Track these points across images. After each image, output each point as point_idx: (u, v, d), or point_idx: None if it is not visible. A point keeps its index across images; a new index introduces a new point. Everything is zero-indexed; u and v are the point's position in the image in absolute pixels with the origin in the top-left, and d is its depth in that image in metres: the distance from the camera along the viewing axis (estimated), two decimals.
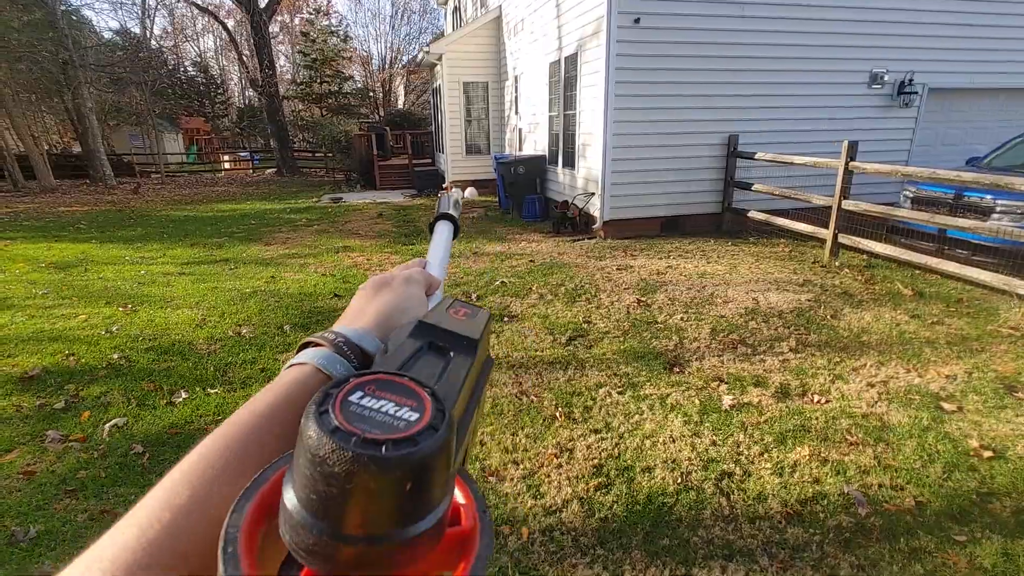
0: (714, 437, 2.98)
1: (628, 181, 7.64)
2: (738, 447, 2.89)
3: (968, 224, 5.15)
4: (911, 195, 6.59)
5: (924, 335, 4.29)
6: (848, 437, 2.94)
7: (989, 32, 8.16)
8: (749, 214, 7.67)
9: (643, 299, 5.17)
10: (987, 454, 2.78)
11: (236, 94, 40.99)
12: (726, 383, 3.58)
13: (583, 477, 2.68)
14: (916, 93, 8.12)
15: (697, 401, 3.35)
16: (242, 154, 26.69)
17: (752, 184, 7.55)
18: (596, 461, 2.80)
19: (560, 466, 2.77)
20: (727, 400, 3.33)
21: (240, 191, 16.32)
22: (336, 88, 25.96)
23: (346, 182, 17.02)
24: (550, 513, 2.44)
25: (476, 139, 13.45)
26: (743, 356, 3.98)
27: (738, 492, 2.55)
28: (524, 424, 3.15)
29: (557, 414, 3.24)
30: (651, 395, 3.45)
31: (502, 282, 5.85)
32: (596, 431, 3.07)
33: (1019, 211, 5.54)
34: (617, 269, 6.24)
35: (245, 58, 28.57)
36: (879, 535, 2.27)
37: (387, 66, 36.99)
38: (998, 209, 5.69)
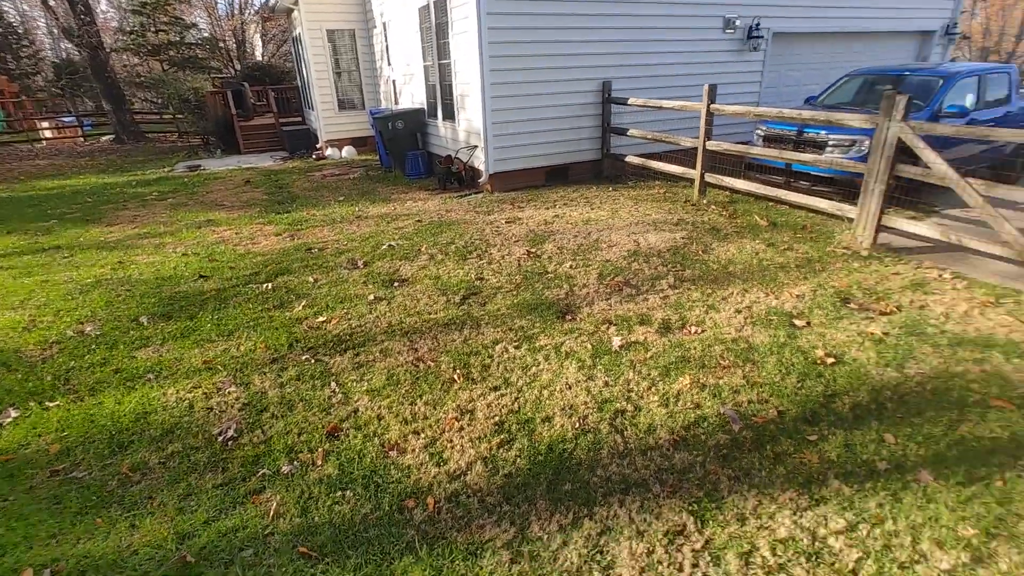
0: (606, 378, 3.12)
1: (510, 132, 7.56)
2: (628, 385, 3.05)
3: (807, 158, 5.76)
4: (763, 133, 7.21)
5: (778, 261, 4.80)
6: (722, 362, 3.23)
7: None
8: (627, 159, 7.98)
9: (533, 250, 5.22)
10: (830, 360, 3.20)
11: (48, 46, 34.26)
12: (615, 325, 3.75)
13: (485, 437, 2.68)
14: (762, 37, 8.78)
15: (589, 346, 3.48)
16: (66, 119, 22.59)
17: (628, 129, 7.81)
18: (497, 419, 2.81)
19: (462, 429, 2.75)
20: (616, 341, 3.49)
21: (69, 164, 13.89)
22: (177, 38, 22.63)
23: (204, 147, 15.15)
24: (455, 478, 2.42)
25: (349, 93, 12.51)
26: (628, 297, 4.18)
27: (631, 428, 2.71)
28: (422, 392, 3.08)
29: (455, 376, 3.21)
30: (546, 345, 3.52)
31: (389, 245, 5.59)
32: (495, 388, 3.09)
33: (846, 143, 6.29)
34: (506, 222, 6.22)
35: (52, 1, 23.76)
36: (750, 446, 2.54)
37: (237, 12, 32.81)
38: (830, 143, 6.42)
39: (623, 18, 7.72)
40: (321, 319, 4.03)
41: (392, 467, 2.51)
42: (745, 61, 8.94)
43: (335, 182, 9.38)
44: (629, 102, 7.63)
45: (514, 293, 4.32)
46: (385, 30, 10.86)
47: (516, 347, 3.52)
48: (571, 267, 4.80)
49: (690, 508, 2.21)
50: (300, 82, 15.04)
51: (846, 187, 6.08)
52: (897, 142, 4.58)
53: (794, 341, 3.46)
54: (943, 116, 6.35)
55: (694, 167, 6.85)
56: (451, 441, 2.67)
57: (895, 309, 3.86)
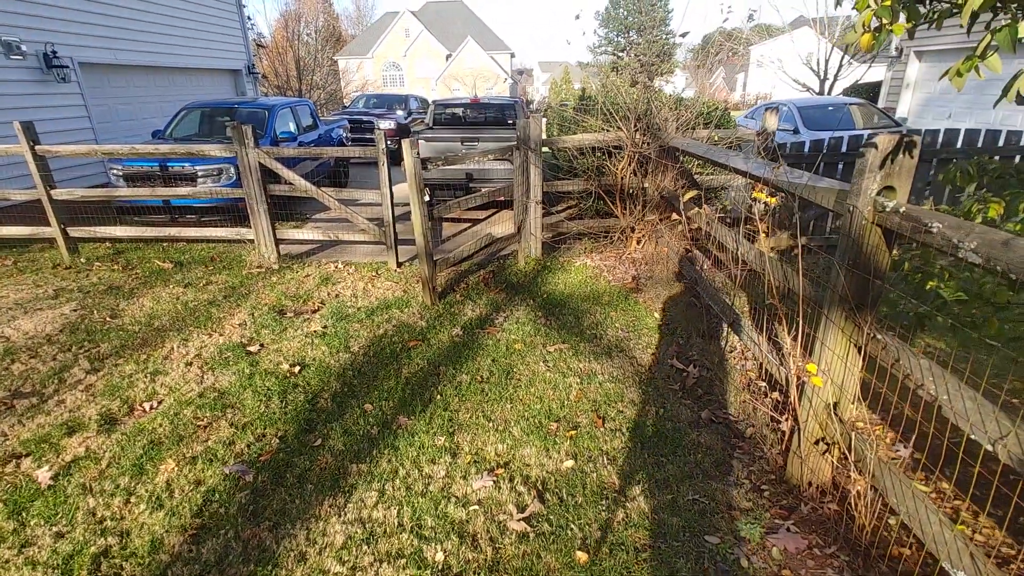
0: (58, 526, 2.23)
1: None
2: (96, 515, 2.29)
3: (184, 191, 5.64)
4: (120, 172, 6.48)
5: (203, 298, 4.61)
6: (199, 423, 2.90)
7: (128, 13, 8.58)
8: None
9: None
10: (297, 369, 3.44)
11: None
12: (30, 455, 2.67)
13: None
14: (67, 67, 7.64)
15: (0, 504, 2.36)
16: None
17: None
18: None
19: None
20: (43, 473, 2.52)
21: None
22: None
23: None
24: None
25: None
26: (30, 411, 3.04)
27: (131, 563, 2.08)
28: None
29: None
30: None
31: None
32: None
33: (215, 172, 6.53)
34: None
35: None
36: (271, 484, 2.46)
37: None
38: (199, 174, 6.49)
39: None
40: None
41: None
42: (58, 94, 7.58)
43: None
44: None
45: None
46: None
47: None
48: None
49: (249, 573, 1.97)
50: None
51: (232, 212, 6.38)
52: (259, 166, 5.13)
53: (258, 367, 3.49)
54: (280, 141, 7.53)
55: (48, 224, 5.46)
56: None
57: (320, 304, 4.49)
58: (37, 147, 5.19)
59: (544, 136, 5.31)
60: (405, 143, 4.11)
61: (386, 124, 12.61)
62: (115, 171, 6.49)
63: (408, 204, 4.24)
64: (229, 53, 11.61)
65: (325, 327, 4.05)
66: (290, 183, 5.26)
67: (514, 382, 3.24)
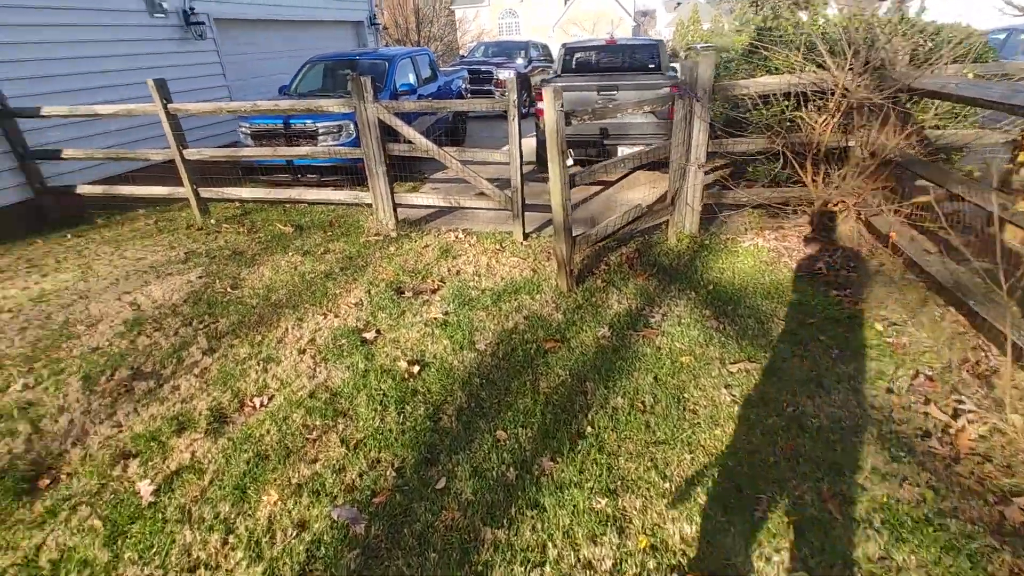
0: (141, 570, 1.88)
1: None
2: (188, 553, 1.93)
3: (304, 151, 5.33)
4: (248, 131, 6.39)
5: (320, 269, 4.28)
6: (309, 436, 2.47)
7: None
8: (79, 190, 5.75)
9: None
10: (416, 369, 2.92)
11: None
12: (137, 456, 2.41)
13: None
14: (204, 23, 7.69)
15: (97, 522, 2.07)
16: None
17: (60, 150, 5.55)
18: None
19: None
20: (146, 487, 2.22)
21: None
22: None
23: None
24: None
25: None
26: (146, 397, 2.82)
27: None
28: None
29: None
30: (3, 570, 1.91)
31: None
32: None
33: (335, 130, 6.21)
34: None
35: None
36: (383, 544, 1.94)
37: None
38: (320, 131, 6.21)
39: None
40: None
41: None
42: (196, 52, 7.69)
43: None
44: (45, 112, 5.35)
45: None
46: None
47: None
48: (25, 388, 2.94)
49: None
50: None
51: (352, 173, 6.05)
52: (378, 122, 4.62)
53: (374, 361, 3.02)
54: (400, 94, 7.05)
55: (181, 184, 5.47)
56: None
57: (440, 283, 3.95)
58: (170, 105, 5.12)
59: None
60: (547, 92, 3.31)
61: (505, 74, 11.76)
62: (243, 129, 6.42)
63: (529, 165, 3.47)
64: (352, 4, 11.35)
65: (446, 313, 3.50)
66: (410, 142, 4.71)
67: (689, 416, 2.44)
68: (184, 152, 5.28)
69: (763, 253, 4.06)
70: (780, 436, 2.27)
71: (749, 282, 3.65)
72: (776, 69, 4.13)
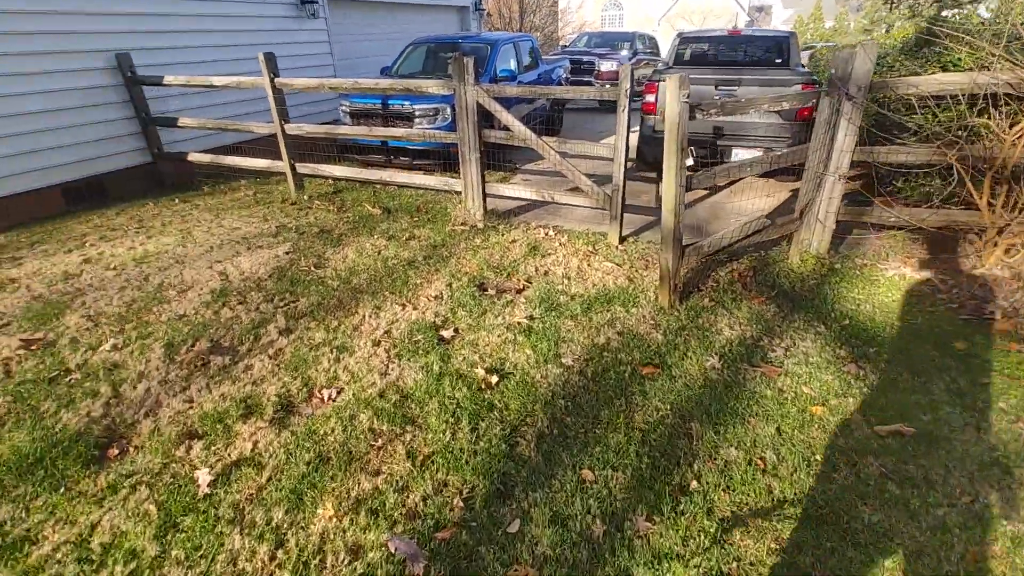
0: (185, 573, 1.73)
1: None
2: (235, 561, 1.75)
3: (399, 132, 5.21)
4: (348, 109, 6.41)
5: (404, 256, 4.11)
6: (374, 442, 2.25)
7: None
8: (190, 158, 6.01)
9: (36, 337, 3.07)
10: (494, 379, 2.63)
11: None
12: (201, 438, 2.31)
13: None
14: (317, 2, 7.85)
15: (153, 507, 1.96)
16: None
17: (177, 119, 5.81)
18: None
19: None
20: (204, 476, 2.09)
21: None
22: None
23: None
24: None
25: None
26: (220, 373, 2.75)
27: None
28: None
29: None
30: (60, 544, 1.83)
31: None
32: None
33: (432, 112, 6.07)
34: None
35: None
36: None
37: None
38: (416, 114, 6.09)
39: None
40: None
41: None
42: (308, 30, 7.87)
43: None
44: (166, 80, 5.61)
45: None
46: None
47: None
48: (114, 348, 2.97)
49: None
50: None
51: (443, 159, 5.89)
52: (476, 106, 4.37)
53: (449, 364, 2.77)
54: (499, 80, 6.79)
55: (281, 158, 5.55)
56: None
57: (526, 283, 3.65)
58: (276, 79, 5.17)
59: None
60: (670, 81, 2.87)
61: (607, 65, 11.23)
62: (344, 107, 6.45)
63: (629, 163, 3.04)
64: None
65: (531, 318, 3.18)
66: (507, 128, 4.42)
67: (826, 487, 1.95)
68: (285, 127, 5.33)
69: (909, 285, 3.39)
70: (956, 536, 1.74)
71: (895, 320, 3.03)
72: (953, 65, 3.39)
